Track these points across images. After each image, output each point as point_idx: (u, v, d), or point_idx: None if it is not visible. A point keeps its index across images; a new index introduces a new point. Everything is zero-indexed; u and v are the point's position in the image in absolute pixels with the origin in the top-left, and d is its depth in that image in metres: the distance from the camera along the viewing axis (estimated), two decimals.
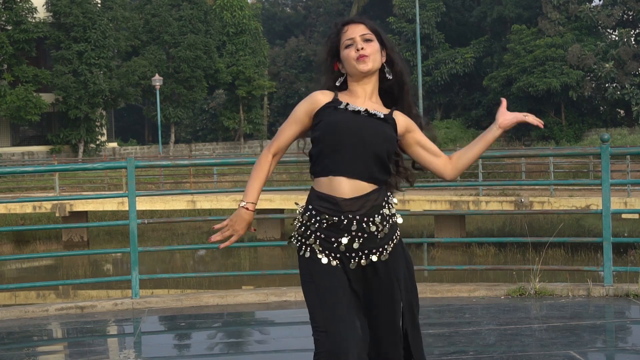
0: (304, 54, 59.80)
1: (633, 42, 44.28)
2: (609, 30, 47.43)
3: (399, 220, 3.16)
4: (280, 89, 58.45)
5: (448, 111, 52.05)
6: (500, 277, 12.82)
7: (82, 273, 20.20)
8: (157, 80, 42.40)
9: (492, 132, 3.24)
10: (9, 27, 41.28)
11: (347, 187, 3.05)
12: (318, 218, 3.06)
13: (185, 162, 20.44)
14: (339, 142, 3.04)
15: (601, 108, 46.81)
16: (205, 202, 24.96)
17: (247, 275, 18.65)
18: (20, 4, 41.28)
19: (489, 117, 50.27)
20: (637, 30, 46.71)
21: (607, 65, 43.30)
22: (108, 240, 27.19)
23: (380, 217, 3.07)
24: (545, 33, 45.21)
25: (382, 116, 3.12)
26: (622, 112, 47.01)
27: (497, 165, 27.13)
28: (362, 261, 3.06)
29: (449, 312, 6.62)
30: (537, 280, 7.20)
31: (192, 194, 25.19)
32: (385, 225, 3.08)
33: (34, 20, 41.76)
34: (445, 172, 3.27)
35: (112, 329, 6.72)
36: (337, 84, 3.19)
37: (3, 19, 41.29)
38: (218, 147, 50.19)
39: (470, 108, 51.03)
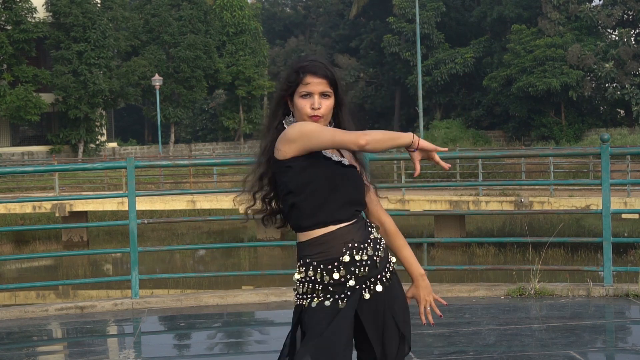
0: (303, 54, 59.57)
1: (633, 42, 44.28)
2: (609, 30, 47.42)
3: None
4: None
5: (448, 111, 52.06)
6: (500, 277, 12.83)
7: (82, 273, 20.20)
8: (157, 80, 42.40)
9: (413, 280, 3.19)
10: (9, 27, 41.28)
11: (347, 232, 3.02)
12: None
13: (185, 162, 20.42)
14: (334, 190, 2.99)
15: (601, 108, 46.81)
16: (205, 202, 24.96)
17: (247, 275, 18.65)
18: (20, 4, 41.28)
19: (489, 117, 50.31)
20: (637, 30, 46.70)
21: (607, 65, 43.30)
22: (108, 240, 27.19)
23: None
24: (545, 33, 45.20)
25: (353, 164, 3.09)
26: (622, 112, 47.01)
27: (497, 165, 27.13)
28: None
29: (449, 312, 6.62)
30: (537, 280, 7.20)
31: (192, 194, 25.20)
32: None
33: (33, 20, 41.75)
34: (369, 208, 3.16)
35: (112, 329, 6.72)
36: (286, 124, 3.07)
37: (3, 19, 41.29)
38: (218, 147, 50.19)
39: (470, 108, 51.03)
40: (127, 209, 8.03)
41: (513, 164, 26.59)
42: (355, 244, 2.97)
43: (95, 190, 29.32)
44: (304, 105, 3.01)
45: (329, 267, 2.95)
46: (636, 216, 21.00)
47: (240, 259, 22.58)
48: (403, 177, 24.45)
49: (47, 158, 40.68)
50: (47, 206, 25.52)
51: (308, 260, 2.98)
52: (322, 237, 2.97)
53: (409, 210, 20.71)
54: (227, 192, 10.33)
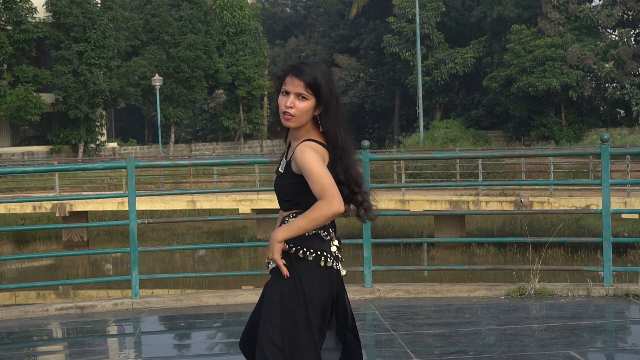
0: (304, 54, 59.81)
1: (633, 42, 44.27)
2: (608, 30, 47.42)
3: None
4: None
5: (448, 111, 52.05)
6: (500, 277, 12.84)
7: (82, 273, 20.21)
8: (157, 80, 42.38)
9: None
10: (9, 27, 41.26)
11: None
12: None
13: (185, 162, 20.41)
14: None
15: (601, 108, 46.79)
16: (205, 202, 24.96)
17: (247, 275, 18.65)
18: (20, 4, 41.26)
19: (489, 117, 50.31)
20: (637, 30, 46.69)
21: (607, 65, 43.29)
22: (108, 240, 27.19)
23: None
24: (545, 33, 45.20)
25: (282, 171, 3.31)
26: (622, 112, 46.99)
27: (497, 165, 27.13)
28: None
29: (449, 312, 6.63)
30: (537, 280, 7.20)
31: (192, 194, 25.12)
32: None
33: (34, 20, 41.73)
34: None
35: (112, 329, 6.73)
36: None
37: (3, 19, 41.26)
38: (218, 147, 50.19)
39: (470, 108, 51.02)
40: (127, 209, 8.03)
41: (513, 164, 26.59)
42: None
43: (96, 190, 29.31)
44: (280, 101, 3.27)
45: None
46: (636, 216, 21.00)
47: (240, 259, 22.59)
48: (403, 177, 24.45)
49: (47, 158, 40.67)
50: (47, 206, 25.52)
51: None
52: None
53: (409, 210, 20.69)
54: (227, 192, 10.33)
